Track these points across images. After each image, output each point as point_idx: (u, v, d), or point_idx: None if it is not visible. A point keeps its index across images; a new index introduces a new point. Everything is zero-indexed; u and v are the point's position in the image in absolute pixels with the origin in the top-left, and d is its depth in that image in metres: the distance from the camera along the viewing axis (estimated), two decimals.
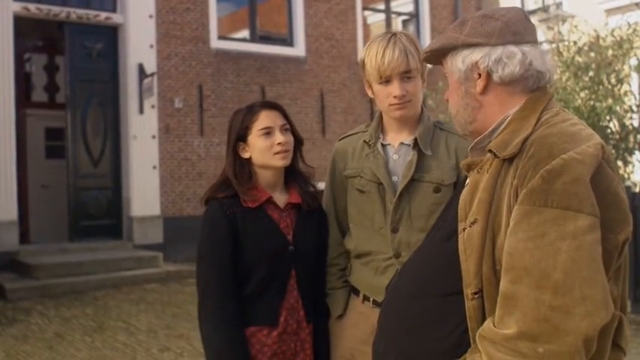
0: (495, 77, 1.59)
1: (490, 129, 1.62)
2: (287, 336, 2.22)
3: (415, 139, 2.21)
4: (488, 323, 1.46)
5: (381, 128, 2.31)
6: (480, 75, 1.61)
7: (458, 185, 2.05)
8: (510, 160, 1.50)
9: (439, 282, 1.62)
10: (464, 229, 1.54)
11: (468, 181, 1.65)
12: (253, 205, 2.24)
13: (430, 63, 1.84)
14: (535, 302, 1.35)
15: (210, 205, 2.26)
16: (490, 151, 1.54)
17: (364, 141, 2.30)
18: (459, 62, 1.63)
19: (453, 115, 1.71)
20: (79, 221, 10.05)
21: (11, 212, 9.26)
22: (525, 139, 1.50)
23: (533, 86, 1.60)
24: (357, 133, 2.38)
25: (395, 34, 2.22)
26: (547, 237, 1.36)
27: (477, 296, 1.50)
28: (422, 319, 1.62)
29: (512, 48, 1.58)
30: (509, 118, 1.58)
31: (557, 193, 1.37)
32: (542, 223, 1.37)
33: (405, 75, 2.18)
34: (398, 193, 2.17)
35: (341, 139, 2.43)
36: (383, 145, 2.27)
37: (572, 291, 1.33)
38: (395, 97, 2.18)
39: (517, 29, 1.60)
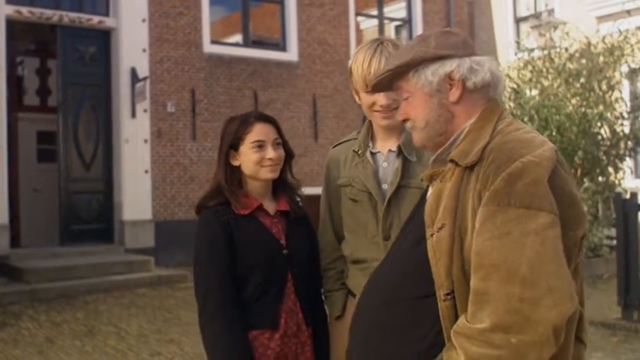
0: (470, 84, 1.68)
1: (450, 141, 1.70)
2: (288, 339, 2.24)
3: (399, 147, 2.23)
4: (461, 320, 1.52)
5: (370, 136, 2.32)
6: (451, 86, 1.68)
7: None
8: (471, 167, 1.58)
9: (410, 286, 1.67)
10: (432, 235, 1.61)
11: (430, 190, 1.73)
12: (245, 212, 2.27)
13: (380, 88, 1.85)
14: (505, 296, 1.43)
15: (203, 213, 2.29)
16: (452, 160, 1.63)
17: (353, 150, 2.32)
18: (428, 75, 1.69)
19: (421, 127, 1.73)
20: (71, 225, 10.01)
21: (2, 216, 9.23)
22: (484, 148, 1.59)
23: (492, 94, 1.71)
24: (350, 140, 2.40)
25: (382, 42, 2.22)
26: (512, 235, 1.45)
27: (449, 297, 1.57)
28: (395, 323, 1.67)
29: (477, 58, 1.70)
30: (467, 129, 1.68)
31: (519, 193, 1.47)
32: (506, 222, 1.46)
33: None
34: (386, 200, 2.19)
35: (335, 147, 2.45)
36: (373, 154, 2.29)
37: (539, 283, 1.42)
38: (381, 105, 2.20)
39: (471, 43, 1.75)
